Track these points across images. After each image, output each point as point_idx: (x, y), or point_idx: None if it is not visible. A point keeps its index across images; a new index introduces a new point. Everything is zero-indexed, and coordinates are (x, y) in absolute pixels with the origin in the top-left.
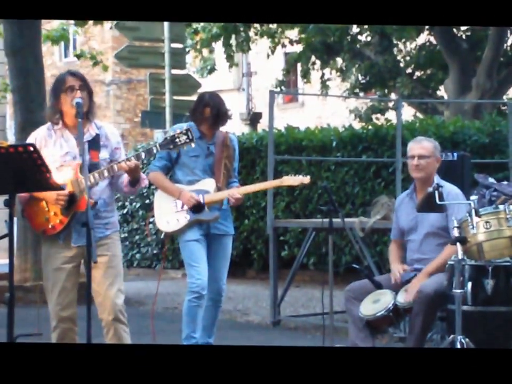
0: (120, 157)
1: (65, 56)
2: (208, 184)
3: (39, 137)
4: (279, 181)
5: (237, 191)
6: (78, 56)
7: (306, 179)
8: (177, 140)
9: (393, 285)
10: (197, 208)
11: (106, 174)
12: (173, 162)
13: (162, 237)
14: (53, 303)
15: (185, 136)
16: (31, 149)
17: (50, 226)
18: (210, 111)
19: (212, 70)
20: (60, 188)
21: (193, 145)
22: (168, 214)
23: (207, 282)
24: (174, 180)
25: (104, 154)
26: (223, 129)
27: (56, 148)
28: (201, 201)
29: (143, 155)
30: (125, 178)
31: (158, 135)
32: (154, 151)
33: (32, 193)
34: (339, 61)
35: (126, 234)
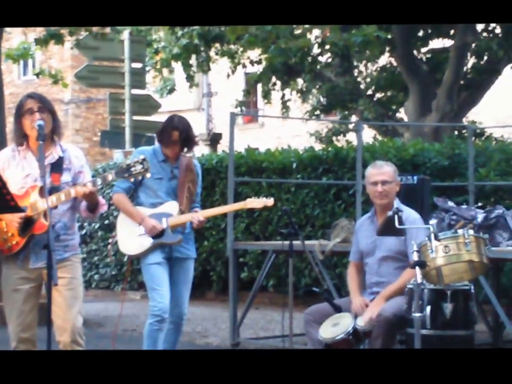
0: (83, 180)
1: (24, 74)
2: (171, 207)
3: (2, 159)
4: (242, 203)
5: (201, 214)
6: (37, 74)
7: (269, 201)
8: (132, 169)
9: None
10: (159, 234)
11: (63, 198)
12: (137, 184)
13: (125, 259)
14: (13, 324)
15: (141, 166)
16: None
17: (7, 246)
18: (179, 135)
19: (171, 90)
20: (21, 210)
21: (148, 175)
22: (131, 237)
23: (169, 306)
24: (137, 202)
25: (66, 177)
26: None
27: (18, 170)
28: (164, 227)
29: (99, 181)
30: (84, 203)
31: (118, 155)
32: (110, 178)
33: None
34: (300, 81)
35: (85, 255)
